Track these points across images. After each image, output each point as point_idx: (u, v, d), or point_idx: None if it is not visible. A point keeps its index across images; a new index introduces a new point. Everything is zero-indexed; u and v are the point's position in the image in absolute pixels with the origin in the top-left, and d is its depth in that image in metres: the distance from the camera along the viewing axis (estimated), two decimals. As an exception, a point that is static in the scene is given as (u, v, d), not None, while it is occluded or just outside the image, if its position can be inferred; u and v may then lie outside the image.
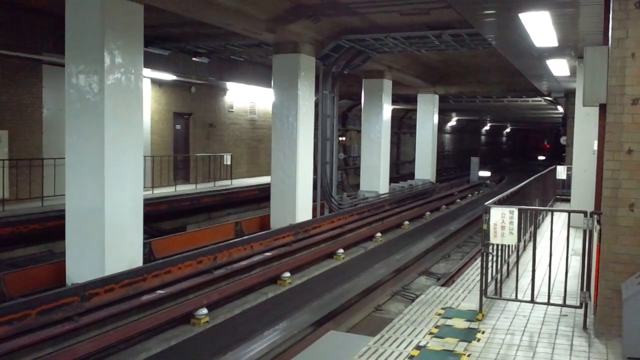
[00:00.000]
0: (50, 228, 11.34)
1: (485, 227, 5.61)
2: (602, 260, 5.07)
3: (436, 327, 5.49)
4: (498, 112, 38.33)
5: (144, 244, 9.64)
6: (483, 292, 5.83)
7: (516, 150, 68.10)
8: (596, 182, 6.53)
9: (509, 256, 6.99)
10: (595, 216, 5.35)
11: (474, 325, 5.54)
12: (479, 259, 6.42)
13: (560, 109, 26.18)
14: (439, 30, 12.97)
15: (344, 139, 28.47)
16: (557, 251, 7.51)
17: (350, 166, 28.44)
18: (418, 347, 4.94)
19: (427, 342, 5.06)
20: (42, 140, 14.03)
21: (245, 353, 6.93)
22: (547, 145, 62.31)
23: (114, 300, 7.62)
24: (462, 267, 11.57)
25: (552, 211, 6.36)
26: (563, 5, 7.33)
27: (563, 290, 5.73)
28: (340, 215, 14.69)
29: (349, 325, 8.32)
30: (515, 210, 5.49)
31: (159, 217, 14.09)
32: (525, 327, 5.51)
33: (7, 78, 13.19)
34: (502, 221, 5.49)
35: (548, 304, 5.80)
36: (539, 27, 8.45)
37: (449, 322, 5.64)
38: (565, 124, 22.68)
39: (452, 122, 44.45)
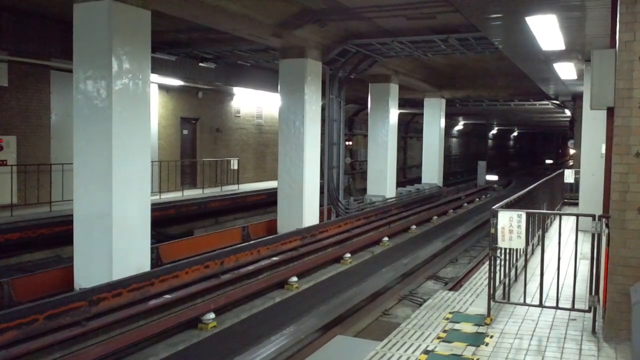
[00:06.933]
0: (58, 233, 11.39)
1: (493, 231, 5.59)
2: (611, 264, 5.04)
3: (444, 331, 5.47)
4: (505, 116, 38.25)
5: (152, 248, 9.66)
6: (491, 296, 5.81)
7: (523, 154, 67.91)
8: (604, 185, 6.51)
9: (517, 260, 6.97)
10: (604, 220, 5.32)
11: (482, 329, 5.52)
12: (487, 263, 6.40)
13: (568, 113, 26.11)
14: (446, 34, 12.95)
15: (350, 143, 28.48)
16: (565, 255, 7.48)
17: (357, 170, 28.44)
18: (426, 352, 4.92)
19: (435, 347, 5.05)
20: (50, 145, 14.12)
21: (253, 358, 6.92)
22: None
23: (122, 305, 7.63)
24: (470, 272, 11.54)
25: (560, 215, 6.34)
26: (570, 9, 7.31)
27: (571, 294, 5.71)
28: (347, 219, 14.67)
29: (356, 330, 8.30)
30: (523, 214, 5.47)
31: (166, 222, 14.13)
32: (534, 331, 5.48)
33: (16, 84, 13.30)
34: (510, 225, 5.47)
35: (557, 308, 5.77)
36: (546, 31, 8.44)
37: (456, 326, 5.62)
38: (572, 128, 22.64)
39: (459, 126, 44.40)
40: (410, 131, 35.36)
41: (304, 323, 8.11)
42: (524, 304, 6.01)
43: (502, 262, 6.05)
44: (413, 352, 4.92)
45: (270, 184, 19.32)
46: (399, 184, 22.66)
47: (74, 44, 8.70)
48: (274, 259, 11.00)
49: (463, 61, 18.66)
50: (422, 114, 25.24)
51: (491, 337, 5.31)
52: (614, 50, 5.59)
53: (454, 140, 45.88)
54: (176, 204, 15.04)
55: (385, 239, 14.54)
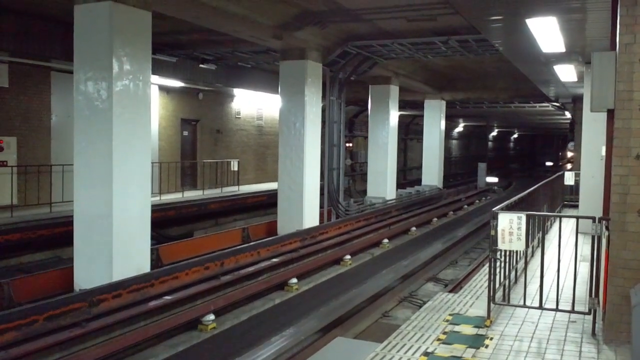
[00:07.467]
0: (58, 234, 11.39)
1: (493, 233, 5.59)
2: (611, 266, 5.04)
3: (444, 333, 5.46)
4: (505, 118, 38.24)
5: (152, 249, 9.66)
6: (491, 299, 5.81)
7: (523, 156, 67.88)
8: (604, 187, 6.51)
9: (517, 262, 6.97)
10: (604, 222, 5.32)
11: (482, 331, 5.51)
12: (487, 265, 6.40)
13: (568, 115, 26.11)
14: (446, 36, 12.97)
15: (350, 145, 28.49)
16: (565, 257, 7.48)
17: (357, 172, 28.44)
18: (426, 354, 4.92)
19: (435, 349, 5.04)
20: (50, 146, 14.13)
21: (253, 359, 6.92)
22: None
23: (122, 306, 7.63)
24: (470, 274, 11.53)
25: (560, 217, 6.34)
26: (570, 11, 7.32)
27: (571, 296, 5.71)
28: (347, 221, 14.67)
29: (356, 332, 8.29)
30: (523, 216, 5.47)
31: (166, 223, 14.13)
32: (534, 333, 5.48)
33: (16, 85, 13.31)
34: (510, 227, 5.47)
35: (556, 310, 5.76)
36: (546, 33, 8.44)
37: (456, 328, 5.62)
38: (573, 130, 22.65)
39: (459, 128, 44.38)
40: (410, 133, 35.36)
41: (304, 325, 8.10)
42: (524, 306, 6.01)
43: (502, 264, 6.05)
44: (413, 354, 4.92)
45: (271, 186, 19.32)
46: (399, 185, 22.65)
47: (74, 45, 8.70)
48: (274, 260, 11.00)
49: (463, 63, 18.67)
50: (422, 116, 25.25)
51: (491, 339, 5.31)
52: (614, 52, 5.60)
53: (454, 142, 45.86)
54: (176, 205, 15.04)
55: (385, 240, 14.53)
